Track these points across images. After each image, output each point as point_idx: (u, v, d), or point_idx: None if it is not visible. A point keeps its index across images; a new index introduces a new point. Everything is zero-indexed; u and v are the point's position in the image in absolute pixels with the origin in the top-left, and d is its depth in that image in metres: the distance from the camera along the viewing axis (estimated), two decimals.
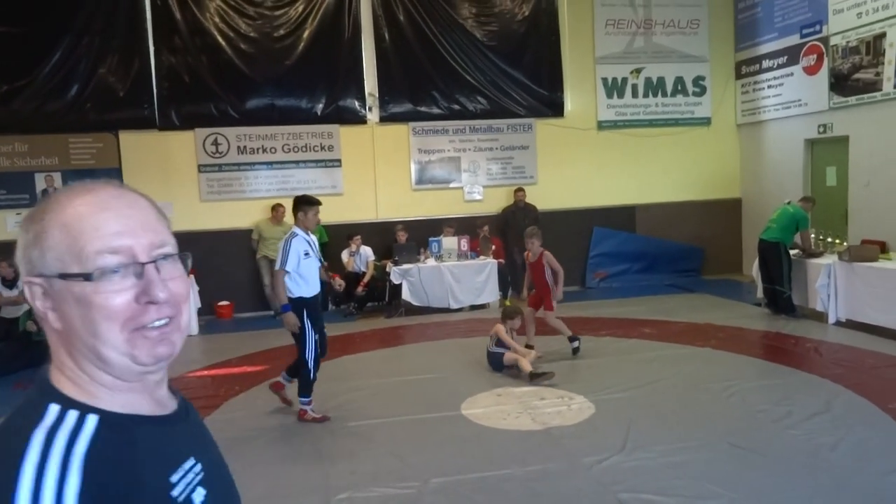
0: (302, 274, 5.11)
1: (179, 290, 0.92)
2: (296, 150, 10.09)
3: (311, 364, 5.20)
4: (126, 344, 0.87)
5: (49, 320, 0.89)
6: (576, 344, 6.75)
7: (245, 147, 9.95)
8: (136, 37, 9.49)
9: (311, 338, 5.18)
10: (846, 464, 4.08)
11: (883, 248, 7.96)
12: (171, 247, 0.93)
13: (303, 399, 5.27)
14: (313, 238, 5.34)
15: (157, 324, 0.89)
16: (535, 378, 5.90)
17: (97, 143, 9.55)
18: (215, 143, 9.85)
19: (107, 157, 9.57)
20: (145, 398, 0.93)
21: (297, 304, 5.13)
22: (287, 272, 5.07)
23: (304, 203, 5.28)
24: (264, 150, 10.01)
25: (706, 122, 11.40)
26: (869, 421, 4.74)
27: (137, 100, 9.53)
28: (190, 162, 9.80)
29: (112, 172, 9.50)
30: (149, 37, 9.55)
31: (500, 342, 6.38)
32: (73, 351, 0.89)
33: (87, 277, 0.85)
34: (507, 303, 9.80)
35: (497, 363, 6.32)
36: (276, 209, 9.64)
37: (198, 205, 9.80)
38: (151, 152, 9.68)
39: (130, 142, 9.63)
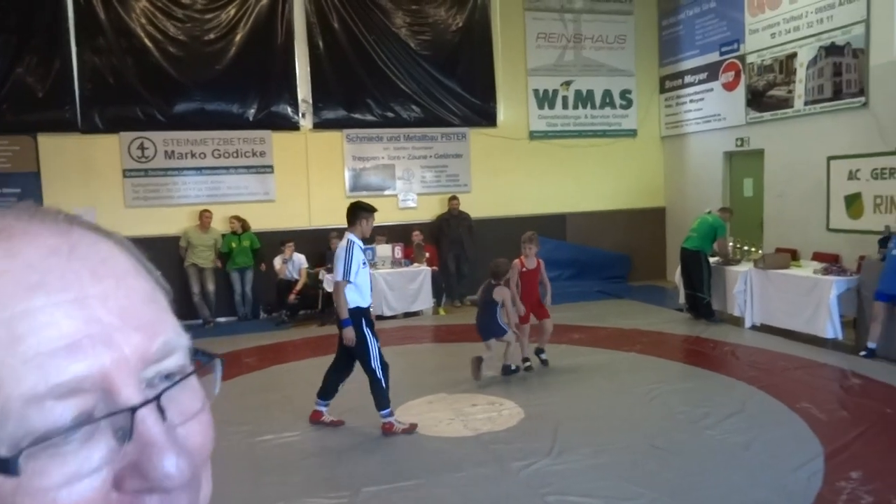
0: (359, 283, 4.98)
1: (200, 441, 0.48)
2: (226, 155, 9.91)
3: (379, 373, 5.01)
4: None
5: None
6: (528, 363, 6.53)
7: (173, 152, 9.70)
8: (57, 36, 9.13)
9: (374, 346, 5.04)
10: (758, 461, 4.32)
11: (794, 256, 8.43)
12: (180, 353, 0.47)
13: (384, 413, 5.02)
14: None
15: None
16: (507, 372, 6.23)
17: (13, 146, 9.12)
18: (141, 147, 9.57)
19: (24, 160, 9.15)
20: None
21: (356, 315, 4.99)
22: (350, 283, 4.92)
23: (365, 210, 5.07)
24: (193, 156, 9.78)
25: (632, 133, 11.81)
26: (780, 420, 5.02)
27: (58, 101, 9.16)
28: (114, 166, 9.49)
29: (30, 177, 9.12)
30: (71, 36, 9.20)
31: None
32: None
33: (4, 467, 0.38)
34: (442, 311, 9.88)
35: (497, 330, 6.22)
36: (203, 215, 9.44)
37: (123, 211, 9.49)
38: (73, 156, 9.32)
39: (50, 145, 9.24)
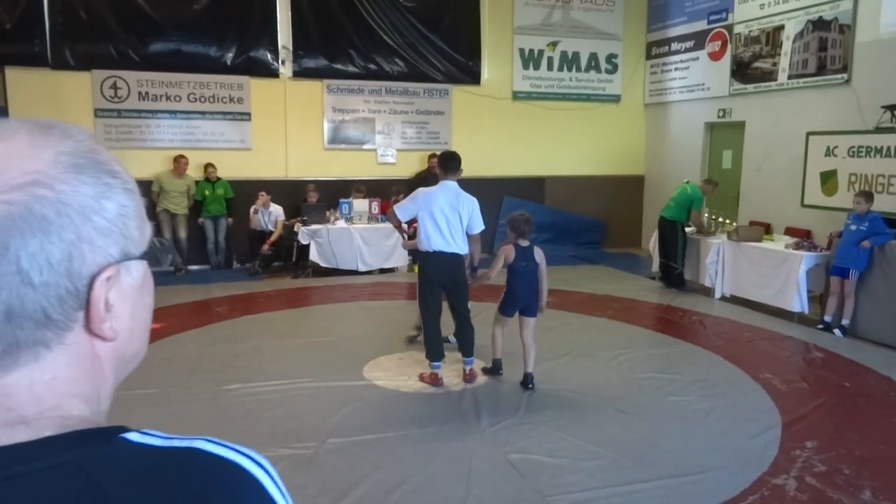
0: None
1: None
2: (202, 100, 9.67)
3: None
4: None
5: (107, 330, 0.58)
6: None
7: (147, 93, 9.43)
8: None
9: None
10: (717, 427, 4.41)
11: (767, 230, 8.52)
12: None
13: (471, 360, 5.25)
14: None
15: None
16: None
17: None
18: (114, 86, 9.29)
19: None
20: None
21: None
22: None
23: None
24: (168, 98, 9.53)
25: (616, 99, 11.73)
26: (741, 389, 5.12)
27: (27, 34, 8.81)
28: (85, 105, 9.21)
29: None
30: None
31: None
32: (122, 367, 0.63)
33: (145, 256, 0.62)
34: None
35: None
36: (179, 160, 9.25)
37: None
38: (42, 92, 9.01)
39: (18, 79, 8.93)
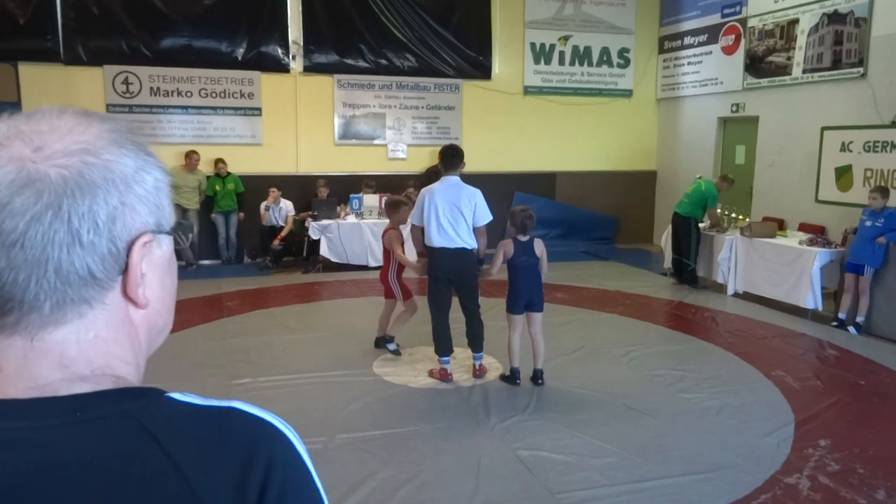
0: None
1: None
2: (214, 95, 9.68)
3: None
4: None
5: (141, 296, 0.65)
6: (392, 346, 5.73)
7: (159, 89, 9.46)
8: None
9: None
10: (729, 425, 4.37)
11: (781, 226, 8.44)
12: None
13: (481, 355, 5.24)
14: None
15: None
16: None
17: None
18: (126, 81, 9.32)
19: (4, 89, 8.88)
20: None
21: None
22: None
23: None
24: (179, 94, 9.55)
25: (628, 94, 11.64)
26: (753, 387, 5.07)
27: (39, 30, 8.86)
28: (98, 101, 9.23)
29: (9, 107, 8.84)
30: None
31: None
32: (153, 336, 0.71)
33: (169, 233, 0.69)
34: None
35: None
36: (190, 156, 9.27)
37: None
38: (55, 87, 9.05)
39: (31, 74, 8.98)
